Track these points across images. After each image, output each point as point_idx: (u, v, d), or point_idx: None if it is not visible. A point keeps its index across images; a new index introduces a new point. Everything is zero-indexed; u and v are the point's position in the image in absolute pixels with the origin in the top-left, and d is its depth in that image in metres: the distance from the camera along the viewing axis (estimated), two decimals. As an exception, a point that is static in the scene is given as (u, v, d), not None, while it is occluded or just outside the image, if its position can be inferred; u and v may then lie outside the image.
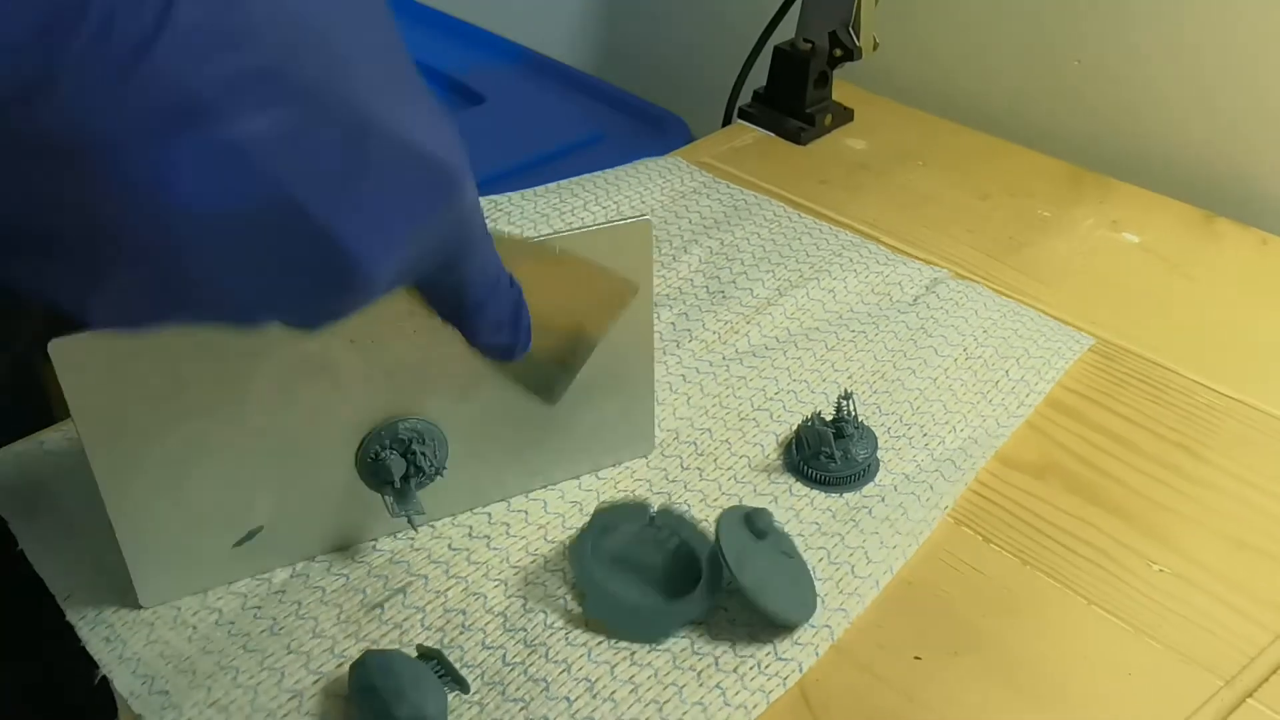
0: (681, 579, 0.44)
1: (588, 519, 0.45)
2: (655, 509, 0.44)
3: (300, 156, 0.23)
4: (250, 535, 0.45)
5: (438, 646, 0.43)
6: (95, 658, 0.43)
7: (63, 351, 0.38)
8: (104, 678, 0.43)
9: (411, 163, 0.26)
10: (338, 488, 0.45)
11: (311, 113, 0.23)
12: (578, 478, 0.51)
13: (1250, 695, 0.43)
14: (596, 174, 0.74)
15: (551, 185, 0.72)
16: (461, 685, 0.42)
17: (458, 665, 0.42)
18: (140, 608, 0.45)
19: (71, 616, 0.45)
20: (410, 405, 0.45)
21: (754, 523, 0.45)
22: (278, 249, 0.24)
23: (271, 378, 0.41)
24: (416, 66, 0.28)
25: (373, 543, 0.48)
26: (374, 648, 0.43)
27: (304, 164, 0.24)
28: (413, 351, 0.43)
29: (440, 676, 0.41)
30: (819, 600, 0.46)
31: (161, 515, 0.43)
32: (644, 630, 0.44)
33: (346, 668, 0.42)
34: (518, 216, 0.68)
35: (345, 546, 0.48)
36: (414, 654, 0.42)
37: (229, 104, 0.22)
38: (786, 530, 0.49)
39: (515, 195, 0.70)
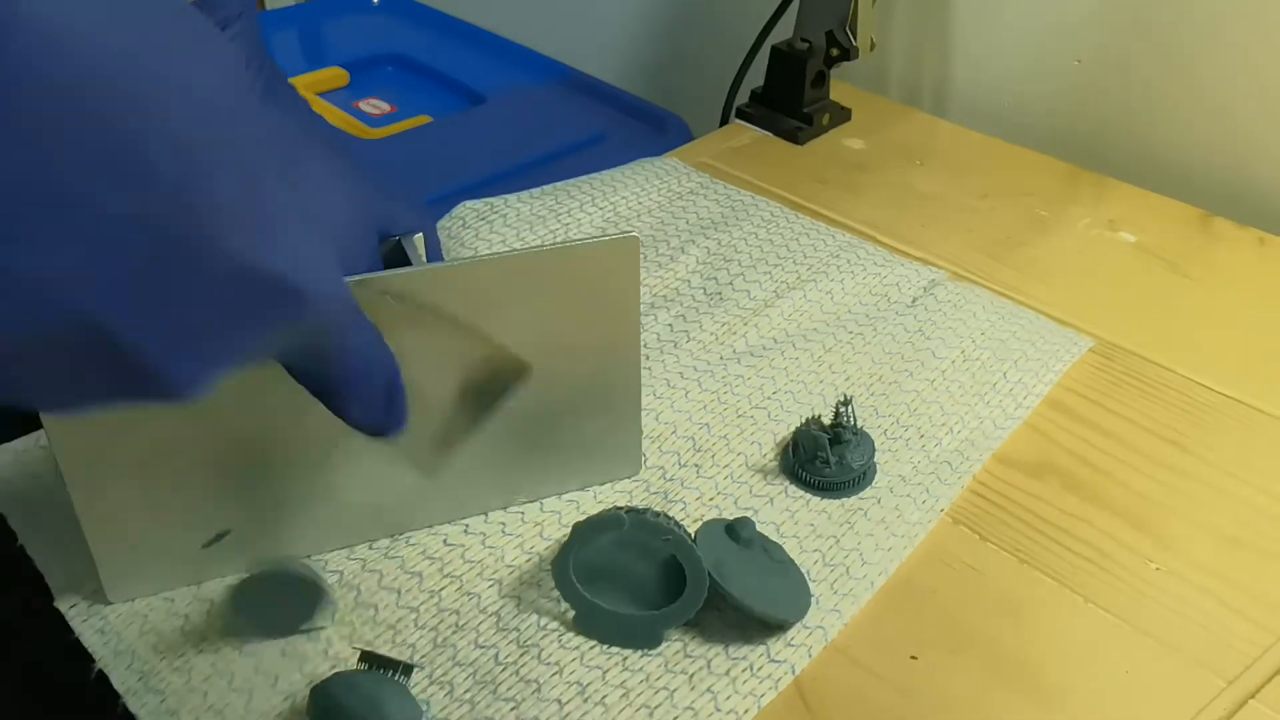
0: (667, 584, 0.44)
1: (566, 534, 0.44)
2: (629, 516, 0.43)
3: (102, 281, 0.23)
4: (218, 538, 0.45)
5: (429, 645, 0.43)
6: (90, 650, 0.43)
7: None
8: (99, 672, 0.43)
9: (239, 282, 0.25)
10: (307, 496, 0.45)
11: (118, 236, 0.23)
12: (561, 496, 0.51)
13: (1253, 696, 0.43)
14: (593, 175, 0.74)
15: (548, 188, 0.72)
16: (404, 670, 0.41)
17: (449, 664, 0.42)
18: (131, 600, 0.45)
19: (64, 609, 0.45)
20: None
21: (736, 532, 0.45)
22: (87, 362, 0.24)
23: (240, 380, 0.41)
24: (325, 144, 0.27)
25: (367, 540, 0.48)
26: (338, 670, 0.42)
27: (106, 288, 0.23)
28: None
29: (393, 677, 0.40)
30: (813, 600, 0.45)
31: (128, 512, 0.42)
32: (635, 640, 0.44)
33: (342, 668, 0.42)
34: (514, 219, 0.68)
35: (315, 554, 0.48)
36: (362, 665, 0.41)
37: (26, 233, 0.21)
38: (781, 532, 0.49)
39: (511, 198, 0.70)
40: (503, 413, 0.46)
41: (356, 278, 0.41)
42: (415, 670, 0.42)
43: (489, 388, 0.40)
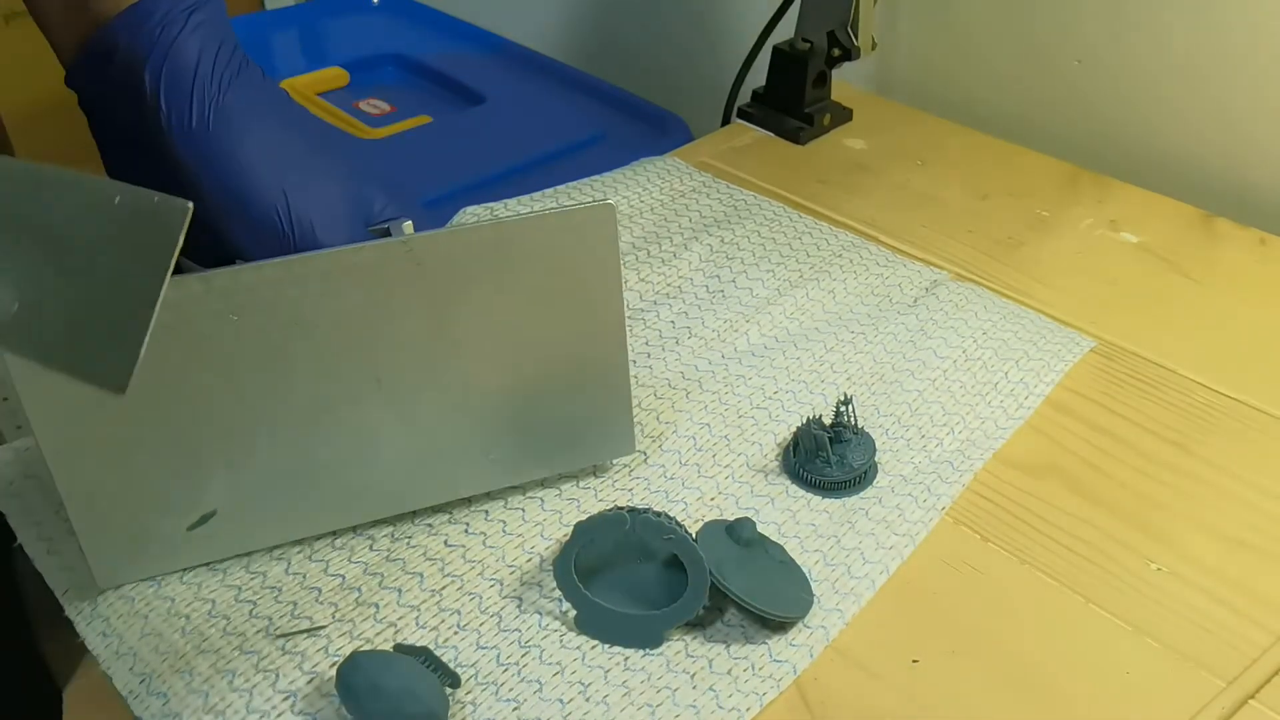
0: (668, 583, 0.44)
1: (567, 534, 0.44)
2: (632, 516, 0.43)
3: None
4: (204, 519, 0.44)
5: (431, 645, 0.43)
6: (93, 652, 0.43)
7: None
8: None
9: None
10: (290, 477, 0.45)
11: None
12: (559, 483, 0.50)
13: (1252, 697, 0.43)
14: (595, 177, 0.74)
15: (549, 190, 0.72)
16: (453, 680, 0.42)
17: (451, 664, 0.42)
18: (133, 601, 0.45)
19: (69, 611, 0.45)
20: (362, 392, 0.44)
21: (737, 532, 0.45)
22: None
23: (216, 360, 0.41)
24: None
25: (369, 541, 0.48)
26: (362, 648, 0.42)
27: None
28: (360, 335, 0.43)
29: (434, 672, 0.41)
30: (815, 600, 0.45)
31: (112, 495, 0.42)
32: (636, 640, 0.44)
33: (339, 668, 0.42)
34: (516, 217, 0.68)
35: (305, 538, 0.47)
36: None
37: None
38: (782, 531, 0.49)
39: (512, 201, 0.70)
40: (480, 388, 0.45)
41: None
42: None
43: None
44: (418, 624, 0.45)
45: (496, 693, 0.42)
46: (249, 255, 0.44)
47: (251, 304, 0.41)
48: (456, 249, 0.43)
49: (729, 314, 0.62)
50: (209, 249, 0.47)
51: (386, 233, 0.46)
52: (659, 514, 0.44)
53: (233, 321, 0.41)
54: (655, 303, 0.63)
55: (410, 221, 0.47)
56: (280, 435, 0.44)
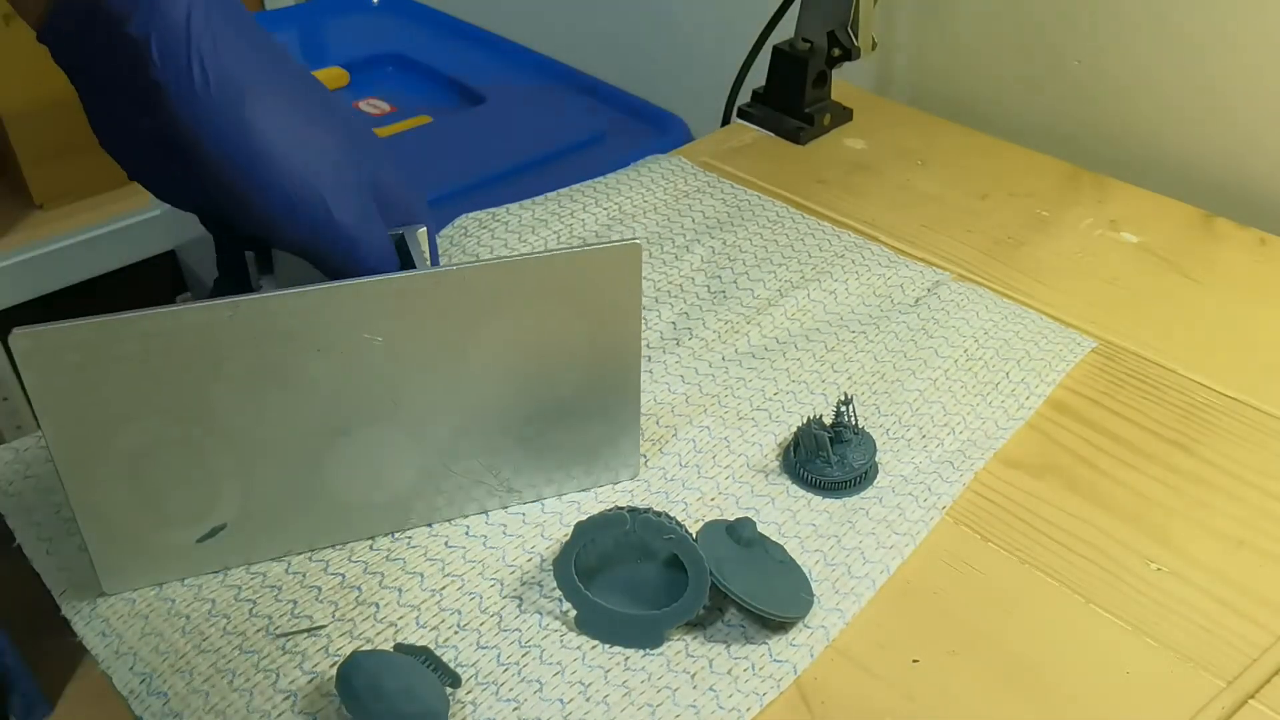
0: (669, 583, 0.44)
1: (568, 534, 0.44)
2: (632, 516, 0.43)
3: None
4: (213, 532, 0.45)
5: (431, 645, 0.43)
6: (91, 652, 0.43)
7: (23, 342, 0.37)
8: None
9: None
10: (302, 493, 0.45)
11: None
12: (562, 496, 0.51)
13: (1252, 697, 0.43)
14: (599, 179, 0.74)
15: (551, 194, 0.72)
16: (453, 679, 0.42)
17: (451, 664, 0.42)
18: (133, 601, 0.45)
19: (67, 611, 0.45)
20: (379, 415, 0.44)
21: (737, 532, 0.45)
22: None
23: (236, 381, 0.41)
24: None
25: (369, 540, 0.48)
26: (362, 648, 0.43)
27: None
28: (380, 362, 0.43)
29: (434, 672, 0.41)
30: (815, 600, 0.46)
31: (123, 505, 0.42)
32: (636, 640, 0.44)
33: (339, 667, 0.42)
34: (516, 224, 0.68)
35: (314, 550, 0.48)
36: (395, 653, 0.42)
37: None
38: (783, 531, 0.49)
39: (514, 206, 0.70)
40: (494, 414, 0.46)
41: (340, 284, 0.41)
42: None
43: None
44: (418, 624, 0.45)
45: (496, 693, 0.42)
46: (255, 215, 0.43)
47: (275, 329, 0.41)
48: (484, 282, 0.43)
49: (730, 315, 0.62)
50: (212, 213, 0.46)
51: (401, 238, 0.46)
52: (659, 514, 0.44)
53: (256, 345, 0.41)
54: (657, 301, 0.63)
55: (424, 228, 0.47)
56: (294, 453, 0.44)
